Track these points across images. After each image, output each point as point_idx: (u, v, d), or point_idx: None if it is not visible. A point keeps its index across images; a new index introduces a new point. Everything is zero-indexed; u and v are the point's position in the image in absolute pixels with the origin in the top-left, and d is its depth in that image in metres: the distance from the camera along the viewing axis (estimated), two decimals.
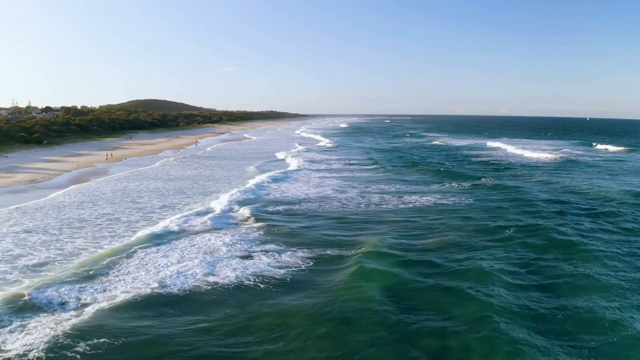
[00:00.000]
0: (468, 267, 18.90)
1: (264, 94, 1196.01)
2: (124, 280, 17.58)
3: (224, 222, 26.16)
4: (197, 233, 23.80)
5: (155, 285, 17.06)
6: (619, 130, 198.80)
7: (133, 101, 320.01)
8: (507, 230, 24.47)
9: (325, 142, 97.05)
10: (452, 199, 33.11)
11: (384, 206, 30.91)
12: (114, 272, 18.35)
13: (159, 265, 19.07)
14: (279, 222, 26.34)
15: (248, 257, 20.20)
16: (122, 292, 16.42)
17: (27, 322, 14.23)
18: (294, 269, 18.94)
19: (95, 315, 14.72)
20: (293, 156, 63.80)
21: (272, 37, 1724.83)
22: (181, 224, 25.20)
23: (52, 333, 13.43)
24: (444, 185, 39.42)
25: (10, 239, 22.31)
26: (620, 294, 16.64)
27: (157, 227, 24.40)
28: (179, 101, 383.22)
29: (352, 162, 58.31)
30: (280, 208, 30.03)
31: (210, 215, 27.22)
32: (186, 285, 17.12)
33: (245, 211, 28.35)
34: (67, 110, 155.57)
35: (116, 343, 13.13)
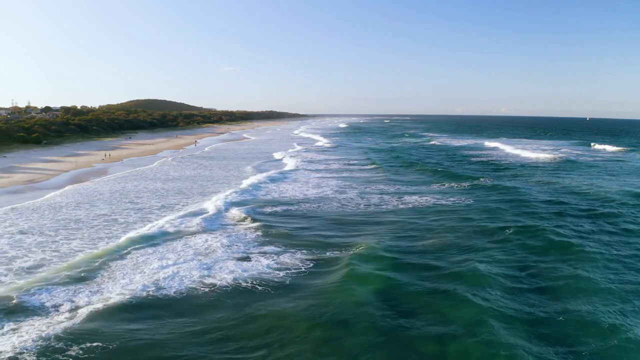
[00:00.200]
0: (465, 269, 18.70)
1: (264, 94, 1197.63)
2: (118, 281, 17.38)
3: (217, 223, 25.97)
4: (190, 234, 23.59)
5: (150, 287, 16.87)
6: (619, 130, 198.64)
7: (133, 101, 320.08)
8: (504, 232, 24.29)
9: (323, 142, 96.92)
10: (449, 199, 32.96)
11: (380, 207, 30.76)
12: (108, 274, 18.15)
13: (153, 266, 18.88)
14: (273, 222, 26.19)
15: (241, 258, 19.99)
16: (116, 294, 16.21)
17: (18, 325, 14.00)
18: (285, 271, 18.70)
19: (89, 317, 14.48)
20: (291, 156, 63.73)
21: (272, 37, 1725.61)
22: (175, 225, 25.00)
23: (44, 336, 13.20)
24: (441, 186, 39.26)
25: (5, 240, 22.15)
26: (620, 296, 16.42)
27: (151, 228, 24.21)
28: (178, 101, 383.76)
29: (349, 162, 58.19)
30: (275, 209, 29.87)
31: (203, 216, 27.05)
32: (182, 287, 16.94)
33: (239, 212, 28.19)
34: (66, 110, 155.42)
35: (110, 347, 12.89)
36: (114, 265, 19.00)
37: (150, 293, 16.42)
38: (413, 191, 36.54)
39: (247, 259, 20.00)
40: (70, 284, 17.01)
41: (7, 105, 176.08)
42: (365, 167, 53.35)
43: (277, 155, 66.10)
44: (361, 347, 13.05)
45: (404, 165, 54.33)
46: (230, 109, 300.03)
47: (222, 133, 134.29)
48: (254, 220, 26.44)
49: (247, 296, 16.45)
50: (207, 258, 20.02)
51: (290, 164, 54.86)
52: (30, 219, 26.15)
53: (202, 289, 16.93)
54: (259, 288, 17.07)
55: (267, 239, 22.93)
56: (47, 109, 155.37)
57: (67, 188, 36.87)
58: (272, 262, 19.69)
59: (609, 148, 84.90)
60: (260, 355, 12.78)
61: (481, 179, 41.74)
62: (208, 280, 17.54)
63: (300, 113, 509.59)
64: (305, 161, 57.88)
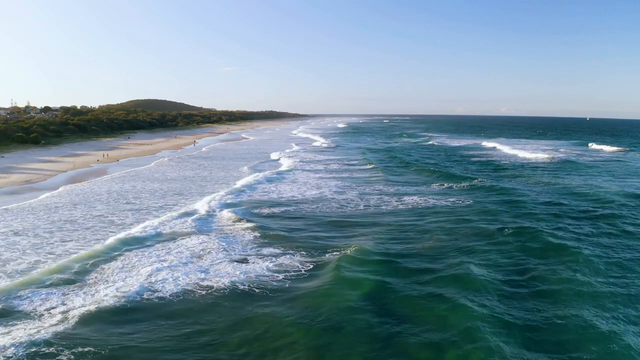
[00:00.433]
0: (461, 272, 18.43)
1: (264, 94, 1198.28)
2: (110, 284, 17.28)
3: (207, 224, 25.95)
4: (181, 235, 23.55)
5: (143, 289, 16.79)
6: (620, 130, 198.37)
7: (132, 101, 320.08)
8: (500, 233, 24.11)
9: (321, 142, 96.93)
10: (445, 200, 32.95)
11: (375, 207, 30.75)
12: (100, 276, 18.08)
13: (146, 268, 18.82)
14: (265, 223, 26.21)
15: (231, 260, 19.94)
16: (108, 297, 16.06)
17: (7, 328, 13.76)
18: (275, 274, 18.60)
19: (81, 321, 14.28)
20: (287, 157, 63.84)
21: (272, 37, 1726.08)
22: (167, 226, 25.00)
23: (34, 341, 12.97)
24: (438, 187, 39.23)
25: None
26: (620, 301, 16.09)
27: (144, 229, 24.21)
28: (178, 101, 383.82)
29: (346, 162, 58.22)
30: (268, 209, 29.89)
31: (195, 217, 27.09)
32: (177, 289, 16.84)
33: (230, 212, 28.21)
34: (66, 110, 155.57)
35: (102, 352, 12.65)
36: (107, 267, 18.93)
37: (144, 296, 16.32)
38: (409, 192, 36.52)
39: (235, 260, 19.91)
40: (62, 286, 16.89)
41: (7, 105, 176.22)
42: (362, 167, 53.39)
43: (274, 156, 66.17)
44: (354, 354, 12.88)
45: (401, 166, 54.33)
46: (230, 109, 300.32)
47: (222, 133, 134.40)
48: (245, 220, 26.39)
49: (234, 299, 16.35)
50: (196, 259, 19.99)
51: (286, 164, 54.92)
52: (25, 220, 26.19)
53: (198, 291, 16.81)
54: (245, 290, 16.97)
55: (258, 240, 22.92)
56: (47, 109, 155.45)
57: (63, 189, 36.92)
58: (261, 263, 19.62)
59: (607, 148, 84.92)
60: None
61: (478, 180, 41.67)
62: (201, 283, 17.46)
63: (300, 113, 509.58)
64: (301, 161, 57.96)
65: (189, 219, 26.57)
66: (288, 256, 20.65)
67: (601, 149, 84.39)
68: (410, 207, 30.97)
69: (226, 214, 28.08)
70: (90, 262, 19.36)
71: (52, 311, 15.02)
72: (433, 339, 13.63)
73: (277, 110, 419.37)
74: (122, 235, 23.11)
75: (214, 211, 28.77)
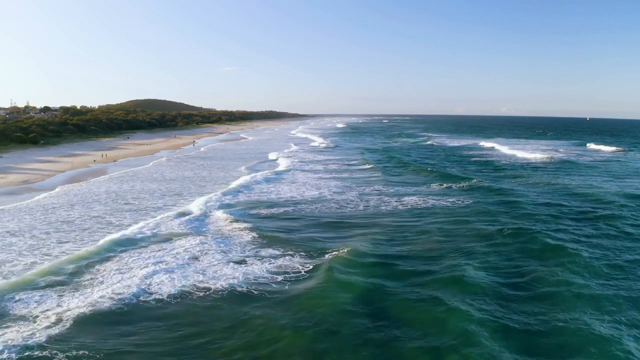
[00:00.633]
0: (457, 275, 18.17)
1: (264, 94, 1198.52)
2: (105, 285, 17.20)
3: (202, 224, 25.95)
4: (176, 236, 23.47)
5: (139, 291, 16.71)
6: (620, 130, 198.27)
7: (132, 101, 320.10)
8: (497, 235, 23.90)
9: (319, 142, 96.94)
10: (442, 201, 32.95)
11: (372, 208, 30.78)
12: (95, 277, 18.03)
13: (141, 269, 18.78)
14: (260, 223, 26.20)
15: (229, 261, 19.94)
16: (103, 299, 15.94)
17: (0, 331, 13.65)
18: (273, 275, 18.60)
19: (75, 324, 14.05)
20: (285, 157, 63.91)
21: (272, 37, 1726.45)
22: (160, 227, 24.94)
23: (26, 344, 12.82)
24: (435, 187, 39.21)
25: None
26: (619, 305, 15.87)
27: (137, 230, 24.18)
28: (178, 101, 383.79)
29: (344, 162, 58.22)
30: (263, 210, 29.87)
31: (190, 217, 27.13)
32: (173, 291, 16.72)
33: (226, 213, 28.23)
34: (65, 110, 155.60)
35: (98, 356, 12.53)
36: (102, 269, 18.89)
37: (140, 298, 16.21)
38: (407, 192, 36.50)
39: (231, 262, 19.88)
40: (56, 288, 16.79)
41: (6, 105, 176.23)
42: (359, 167, 53.42)
43: (271, 156, 66.22)
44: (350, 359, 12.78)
45: (399, 166, 54.28)
46: (230, 109, 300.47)
47: (221, 133, 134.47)
48: (240, 221, 26.37)
49: (230, 301, 16.32)
50: (191, 260, 19.95)
51: (284, 164, 54.97)
52: (22, 221, 26.18)
53: (195, 293, 16.67)
54: (241, 292, 16.95)
55: (254, 240, 22.88)
56: (46, 109, 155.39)
57: (60, 189, 36.92)
58: (258, 264, 19.61)
59: (605, 148, 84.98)
60: None
61: (473, 180, 41.66)
62: (196, 284, 17.41)
63: (300, 113, 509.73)
64: (299, 162, 58.02)
65: (185, 220, 26.54)
66: (284, 257, 20.60)
67: (599, 149, 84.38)
68: (407, 207, 30.97)
69: (222, 214, 28.05)
70: (85, 263, 19.30)
71: (46, 313, 14.84)
72: (431, 344, 13.39)
73: (277, 110, 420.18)
74: (117, 235, 23.05)
75: (210, 212, 28.73)
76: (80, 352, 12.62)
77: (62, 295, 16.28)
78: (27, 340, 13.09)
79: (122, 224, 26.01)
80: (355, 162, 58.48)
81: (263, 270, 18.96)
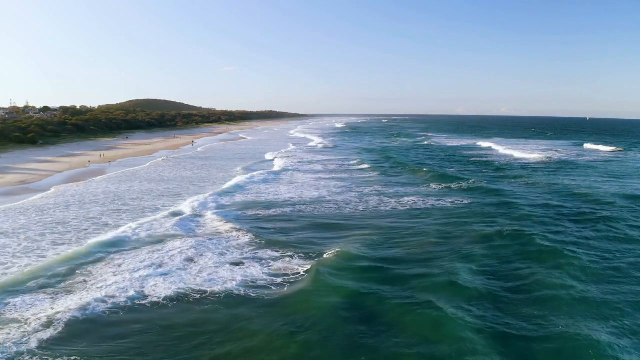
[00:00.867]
0: (451, 280, 17.78)
1: (264, 94, 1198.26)
2: (98, 288, 17.09)
3: (195, 225, 26.07)
4: (169, 237, 23.53)
5: (132, 293, 16.59)
6: (620, 130, 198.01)
7: (132, 101, 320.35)
8: (492, 238, 23.62)
9: (317, 142, 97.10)
10: (437, 201, 33.03)
11: (365, 209, 30.84)
12: (87, 279, 18.00)
13: (134, 271, 18.77)
14: (252, 224, 26.30)
15: (221, 263, 20.05)
16: (95, 301, 15.83)
17: None
18: (265, 277, 18.69)
19: (67, 328, 13.92)
20: (282, 157, 64.10)
21: (272, 37, 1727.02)
22: (153, 228, 25.01)
23: (16, 350, 12.67)
24: (430, 188, 39.28)
25: None
26: (618, 309, 15.62)
27: (129, 231, 24.24)
28: (178, 101, 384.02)
29: (340, 162, 58.37)
30: (256, 210, 30.01)
31: (182, 218, 27.31)
32: (167, 294, 16.61)
33: (219, 213, 28.37)
34: (65, 110, 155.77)
35: None
36: (95, 270, 18.89)
37: (135, 301, 16.06)
38: (402, 193, 36.57)
39: (222, 263, 19.97)
40: (48, 290, 16.70)
41: (6, 105, 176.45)
42: (356, 167, 53.58)
43: (268, 156, 66.40)
44: None
45: (396, 167, 54.36)
46: (230, 109, 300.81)
47: (220, 133, 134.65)
48: (233, 222, 26.47)
49: (225, 304, 16.30)
50: (185, 262, 20.04)
51: (280, 164, 55.19)
52: (16, 222, 26.26)
53: (191, 295, 16.63)
54: (232, 295, 16.97)
55: (247, 241, 22.96)
56: (46, 109, 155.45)
57: (58, 189, 37.07)
58: (252, 265, 19.69)
59: (602, 148, 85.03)
60: None
61: (472, 181, 41.76)
62: (187, 286, 17.46)
63: (300, 113, 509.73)
64: (295, 162, 58.19)
65: (178, 221, 26.69)
66: (274, 259, 20.68)
67: (597, 149, 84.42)
68: (403, 208, 31.03)
69: (215, 215, 28.13)
70: (78, 264, 19.33)
71: (37, 316, 14.62)
72: (423, 353, 13.12)
73: (277, 110, 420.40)
74: (111, 237, 23.16)
75: (203, 213, 28.83)
76: (72, 358, 12.48)
77: (53, 298, 16.16)
78: (17, 346, 12.89)
79: (118, 225, 26.07)
80: (353, 162, 58.58)
81: (260, 272, 19.02)
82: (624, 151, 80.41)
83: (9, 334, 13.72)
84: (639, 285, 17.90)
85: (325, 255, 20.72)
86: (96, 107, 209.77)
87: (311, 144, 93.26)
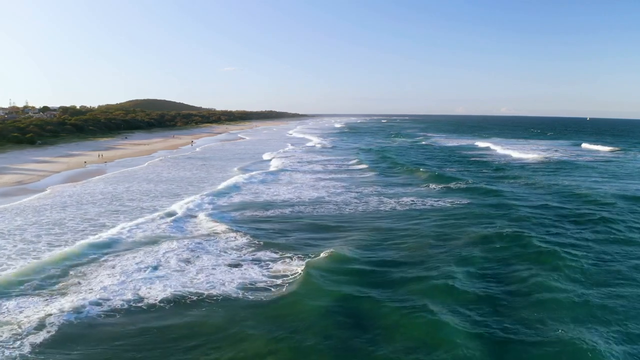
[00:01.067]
0: (444, 283, 17.55)
1: (264, 94, 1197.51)
2: (92, 289, 16.95)
3: (188, 226, 26.02)
4: (163, 238, 23.38)
5: (127, 295, 16.42)
6: (621, 130, 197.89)
7: (132, 101, 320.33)
8: (488, 240, 23.40)
9: (316, 142, 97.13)
10: (433, 202, 32.90)
11: (359, 209, 30.71)
12: (82, 280, 17.87)
13: (129, 273, 18.67)
14: (246, 225, 26.21)
15: (216, 265, 19.93)
16: (90, 304, 15.65)
17: None
18: (255, 279, 18.55)
19: (61, 331, 13.78)
20: (279, 157, 64.11)
21: (272, 37, 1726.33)
22: (145, 229, 24.89)
23: (7, 354, 12.49)
24: (427, 188, 39.14)
25: None
26: (616, 314, 15.41)
27: (122, 232, 24.13)
28: (178, 101, 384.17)
29: (337, 162, 58.29)
30: (251, 211, 29.90)
31: (175, 218, 27.27)
32: (163, 296, 16.46)
33: (213, 214, 28.33)
34: (64, 110, 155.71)
35: None
36: (89, 271, 18.76)
37: (130, 303, 15.94)
38: (397, 193, 36.49)
39: (212, 266, 19.77)
40: (42, 292, 16.55)
41: (5, 105, 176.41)
42: (353, 167, 53.52)
43: (266, 156, 66.40)
44: None
45: (393, 167, 54.21)
46: (230, 109, 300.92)
47: (220, 133, 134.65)
48: (227, 223, 26.36)
49: (220, 306, 16.26)
50: (180, 263, 19.94)
51: (276, 165, 55.19)
52: (11, 223, 26.12)
53: (188, 297, 16.53)
54: (223, 297, 16.86)
55: (240, 243, 22.85)
56: (45, 109, 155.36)
57: (55, 189, 36.96)
58: (239, 268, 19.56)
59: (602, 148, 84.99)
60: None
61: (469, 181, 41.62)
62: (181, 287, 17.42)
63: (300, 113, 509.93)
64: (292, 162, 58.19)
65: (172, 221, 26.65)
66: (273, 260, 20.61)
67: (596, 150, 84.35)
68: (398, 209, 30.92)
69: (211, 216, 28.02)
70: (72, 265, 19.20)
71: (29, 319, 14.46)
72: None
73: (277, 110, 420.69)
74: (105, 237, 23.09)
75: (199, 214, 28.73)
76: None
77: (47, 300, 15.97)
78: (9, 351, 12.70)
79: (114, 226, 25.94)
80: (350, 162, 58.50)
81: (257, 274, 18.92)
82: (624, 151, 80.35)
83: (1, 337, 13.55)
84: (639, 289, 17.69)
85: (320, 257, 20.46)
86: (96, 107, 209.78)
87: (309, 144, 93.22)
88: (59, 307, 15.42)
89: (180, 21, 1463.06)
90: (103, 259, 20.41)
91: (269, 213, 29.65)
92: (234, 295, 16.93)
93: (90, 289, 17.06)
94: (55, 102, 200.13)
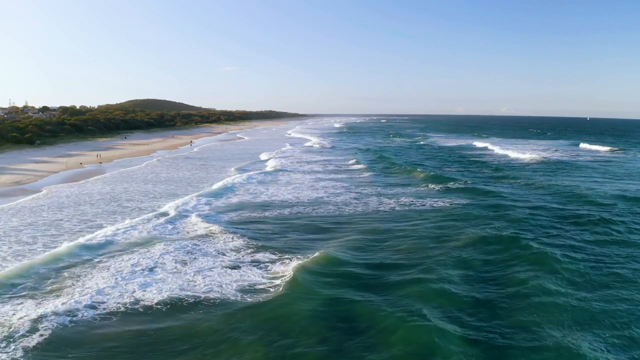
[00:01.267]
0: (440, 287, 17.38)
1: (264, 94, 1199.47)
2: (86, 291, 16.79)
3: (183, 226, 25.94)
4: (157, 239, 23.34)
5: (122, 298, 16.26)
6: (621, 130, 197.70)
7: (132, 101, 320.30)
8: (485, 241, 23.16)
9: (314, 142, 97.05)
10: (430, 203, 32.73)
11: (359, 210, 30.58)
12: (76, 282, 17.71)
13: (125, 274, 18.55)
14: (241, 226, 26.13)
15: (214, 267, 19.83)
16: (85, 307, 15.46)
17: None
18: (243, 280, 18.45)
19: (54, 335, 13.66)
20: (277, 157, 64.09)
21: (272, 37, 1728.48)
22: (140, 230, 24.84)
23: (0, 359, 12.43)
24: (423, 188, 39.01)
25: None
26: (615, 318, 15.22)
27: (115, 232, 24.06)
28: (178, 101, 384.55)
29: (335, 162, 58.18)
30: (247, 211, 29.84)
31: (168, 219, 27.21)
32: (159, 298, 16.34)
33: (209, 214, 28.31)
34: (64, 110, 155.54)
35: None
36: (83, 273, 18.62)
37: (127, 305, 15.81)
38: (397, 194, 36.33)
39: (207, 268, 19.66)
40: (35, 293, 16.43)
41: (5, 105, 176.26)
42: (352, 168, 53.39)
43: (263, 156, 66.35)
44: None
45: (389, 166, 54.09)
46: (229, 109, 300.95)
47: (219, 133, 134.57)
48: (222, 224, 26.25)
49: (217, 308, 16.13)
50: (176, 264, 19.82)
51: (273, 165, 55.13)
52: (7, 223, 25.98)
53: (185, 299, 16.42)
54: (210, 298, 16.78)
55: (234, 244, 22.71)
56: (45, 109, 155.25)
57: (52, 190, 36.82)
58: (236, 270, 19.44)
59: (600, 148, 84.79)
60: None
61: (466, 182, 41.50)
62: (177, 288, 17.29)
63: (300, 113, 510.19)
64: (290, 162, 58.16)
65: (165, 222, 26.64)
66: (271, 262, 20.48)
67: (596, 150, 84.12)
68: (396, 210, 30.79)
69: (207, 217, 27.91)
70: (64, 266, 19.06)
71: (22, 321, 14.30)
72: None
73: (277, 110, 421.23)
74: (101, 238, 22.98)
75: (195, 214, 28.59)
76: None
77: (40, 302, 15.78)
78: (2, 354, 12.60)
79: (112, 226, 25.89)
80: (348, 163, 58.35)
81: (256, 275, 18.80)
82: (624, 151, 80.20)
83: None
84: (638, 293, 17.45)
85: (316, 259, 20.21)
86: (95, 107, 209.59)
87: (308, 144, 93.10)
88: (52, 309, 15.23)
89: (180, 21, 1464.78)
90: (97, 260, 20.24)
91: (267, 214, 29.53)
92: (232, 297, 16.78)
93: (84, 291, 16.86)
94: (55, 102, 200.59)
